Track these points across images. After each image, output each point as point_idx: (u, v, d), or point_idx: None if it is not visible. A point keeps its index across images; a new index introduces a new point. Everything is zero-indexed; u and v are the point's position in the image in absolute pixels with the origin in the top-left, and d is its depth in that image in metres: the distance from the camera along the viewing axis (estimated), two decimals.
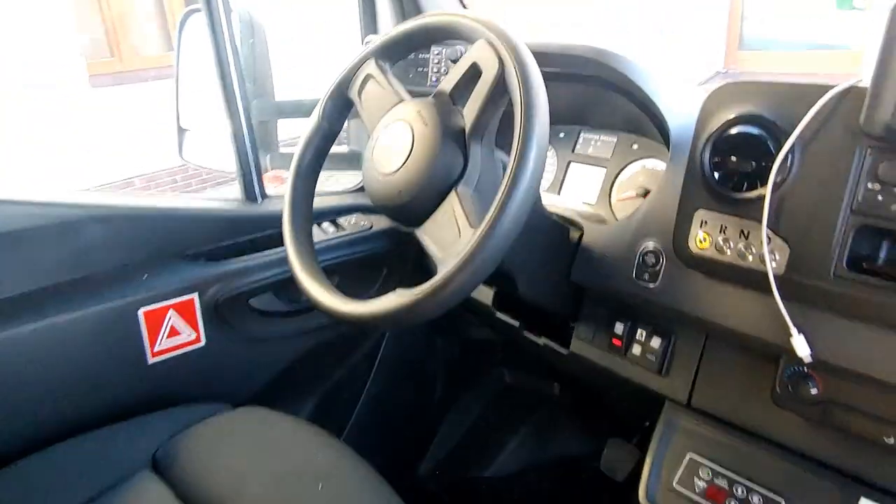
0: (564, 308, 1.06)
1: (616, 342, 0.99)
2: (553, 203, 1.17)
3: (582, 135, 1.20)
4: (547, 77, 0.76)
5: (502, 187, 0.71)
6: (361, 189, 1.36)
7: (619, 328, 0.99)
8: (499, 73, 0.76)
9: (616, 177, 1.12)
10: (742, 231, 0.79)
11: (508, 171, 0.71)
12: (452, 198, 0.79)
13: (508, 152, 0.73)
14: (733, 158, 0.78)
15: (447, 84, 0.84)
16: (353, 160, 1.43)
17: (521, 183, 0.71)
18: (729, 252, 0.80)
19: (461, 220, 0.77)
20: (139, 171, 4.77)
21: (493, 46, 0.78)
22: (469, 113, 0.80)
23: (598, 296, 1.02)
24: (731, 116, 0.78)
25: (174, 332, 1.08)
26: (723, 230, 0.80)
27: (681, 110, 0.95)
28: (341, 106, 0.97)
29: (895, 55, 0.64)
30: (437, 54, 1.22)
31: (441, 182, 0.80)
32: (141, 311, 1.03)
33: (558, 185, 1.19)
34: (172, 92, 1.41)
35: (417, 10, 1.27)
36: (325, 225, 1.28)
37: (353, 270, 1.26)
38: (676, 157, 0.92)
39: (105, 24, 4.70)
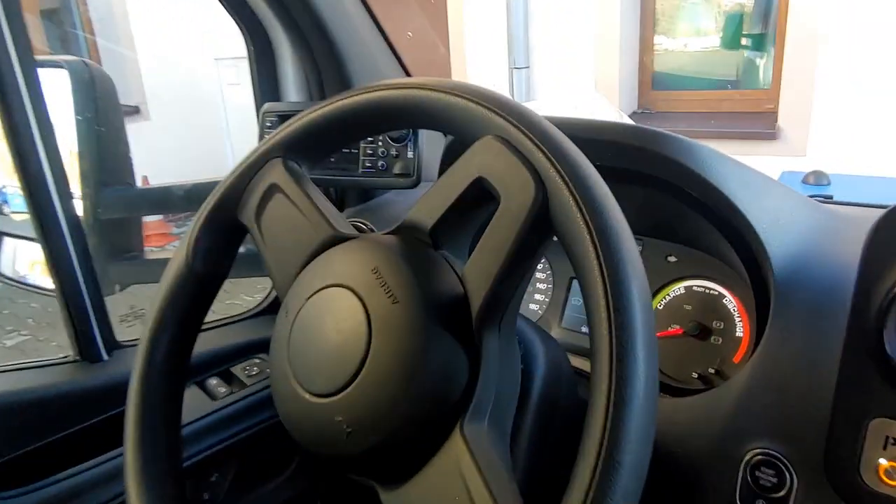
0: None
1: None
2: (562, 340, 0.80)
3: None
4: None
5: (593, 441, 0.34)
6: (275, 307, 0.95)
7: None
8: (538, 201, 0.39)
9: None
10: None
11: (597, 400, 0.34)
12: (456, 444, 0.40)
13: None
14: None
15: (425, 212, 0.45)
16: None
17: (630, 432, 0.34)
18: None
19: (478, 492, 0.38)
20: None
21: (517, 151, 0.40)
22: (477, 275, 0.42)
23: None
24: None
25: None
26: None
27: (784, 224, 0.61)
28: (226, 237, 0.56)
29: None
30: None
31: (429, 414, 0.41)
32: None
33: (558, 312, 0.83)
34: None
35: (336, 65, 0.88)
36: (214, 382, 0.84)
37: (254, 449, 0.82)
38: (789, 307, 0.57)
39: None
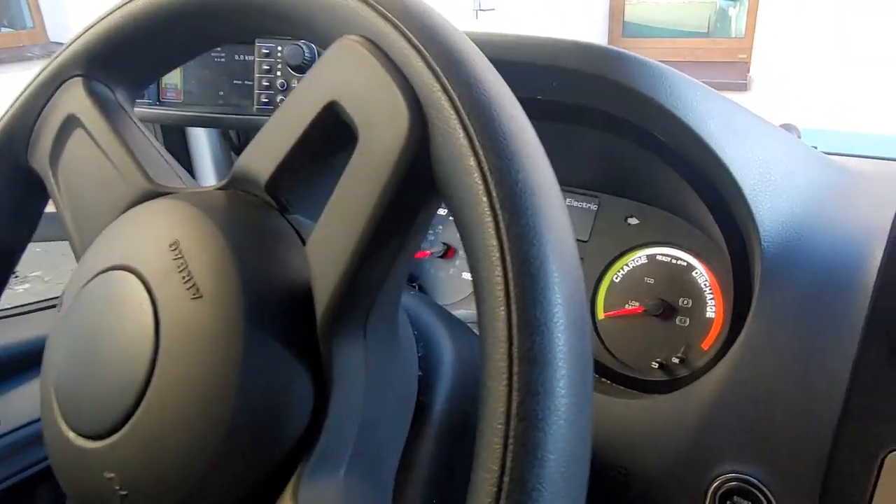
0: None
1: None
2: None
3: None
4: None
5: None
6: None
7: None
8: (413, 137, 0.24)
9: (603, 274, 0.63)
10: None
11: (488, 409, 0.20)
12: None
13: None
14: None
15: (260, 157, 0.30)
16: None
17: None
18: None
19: None
20: None
21: (388, 58, 0.25)
22: (324, 254, 0.27)
23: None
24: None
25: None
26: None
27: (778, 180, 0.47)
28: (17, 190, 0.40)
29: None
30: (267, 54, 0.66)
31: (244, 470, 0.26)
32: None
33: None
34: None
35: None
36: None
37: None
38: (780, 288, 0.43)
39: None
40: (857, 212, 0.39)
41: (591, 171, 0.64)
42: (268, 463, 0.26)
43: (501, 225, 0.21)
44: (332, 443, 0.27)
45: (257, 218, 0.30)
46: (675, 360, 0.57)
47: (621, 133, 0.51)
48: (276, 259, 0.28)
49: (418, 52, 0.24)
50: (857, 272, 0.37)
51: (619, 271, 0.62)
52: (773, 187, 0.45)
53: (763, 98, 3.30)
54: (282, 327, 0.27)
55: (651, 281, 0.60)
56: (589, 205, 0.65)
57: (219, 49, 0.67)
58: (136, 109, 0.77)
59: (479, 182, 0.22)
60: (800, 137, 1.61)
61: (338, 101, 0.27)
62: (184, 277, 0.27)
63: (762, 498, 0.41)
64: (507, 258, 0.21)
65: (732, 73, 3.47)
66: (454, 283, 0.71)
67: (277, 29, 0.32)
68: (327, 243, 0.26)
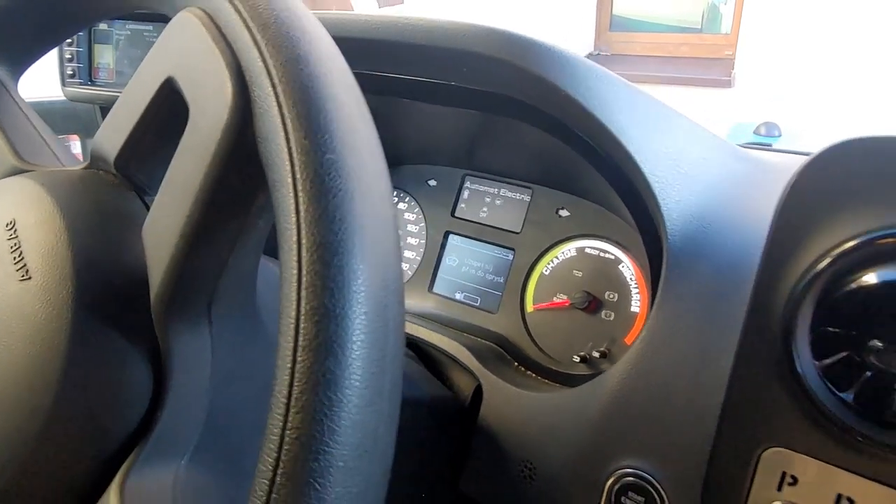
0: None
1: None
2: (416, 309, 0.66)
3: (468, 185, 0.68)
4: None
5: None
6: None
7: None
8: (237, 115, 0.23)
9: (533, 266, 0.62)
10: None
11: (279, 384, 0.19)
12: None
13: None
14: (878, 343, 0.30)
15: (109, 134, 0.29)
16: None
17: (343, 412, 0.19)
18: None
19: None
20: None
21: (220, 33, 0.24)
22: (156, 236, 0.26)
23: None
24: (878, 233, 0.30)
25: None
26: None
27: (688, 171, 0.46)
28: None
29: None
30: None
31: (73, 464, 0.25)
32: None
33: (429, 275, 0.68)
34: None
35: None
36: None
37: None
38: (682, 280, 0.43)
39: None
40: (766, 204, 0.39)
41: (526, 163, 0.63)
42: (95, 453, 0.25)
43: (301, 207, 0.20)
44: (169, 433, 0.26)
45: (107, 199, 0.29)
46: (596, 354, 0.56)
47: (540, 124, 0.50)
48: (117, 242, 0.27)
49: (247, 27, 0.24)
50: (750, 271, 0.37)
51: (548, 263, 0.62)
52: (682, 180, 0.45)
53: (747, 95, 3.30)
54: (116, 313, 0.26)
55: (579, 274, 0.60)
56: (522, 196, 0.64)
57: (150, 27, 0.66)
58: (68, 90, 0.76)
59: (287, 162, 0.21)
60: (780, 135, 1.61)
61: (174, 77, 0.26)
62: (15, 258, 0.26)
63: (654, 493, 0.41)
64: (303, 241, 0.20)
65: (717, 69, 3.47)
66: None
67: (135, 4, 0.31)
68: (159, 226, 0.26)
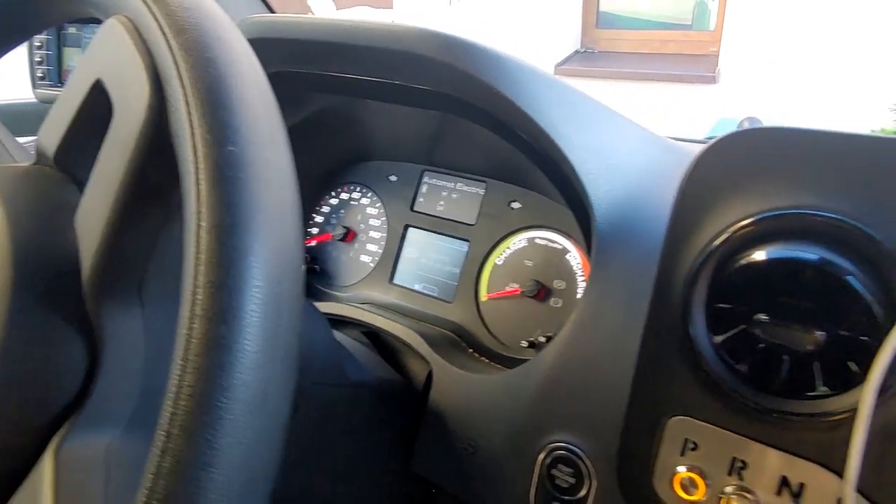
0: None
1: None
2: (378, 300, 0.68)
3: (426, 180, 0.71)
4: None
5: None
6: None
7: None
8: (153, 113, 0.26)
9: (487, 257, 0.65)
10: (788, 483, 0.34)
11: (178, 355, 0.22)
12: (41, 470, 0.27)
13: None
14: (764, 317, 0.33)
15: (48, 132, 0.32)
16: None
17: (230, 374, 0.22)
18: None
19: None
20: None
21: (142, 38, 0.27)
22: (86, 223, 0.28)
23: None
24: (759, 215, 0.33)
25: None
26: (737, 471, 0.35)
27: (617, 164, 0.49)
28: None
29: None
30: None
31: (6, 428, 0.28)
32: None
33: (389, 266, 0.70)
34: None
35: None
36: None
37: None
38: (609, 266, 0.45)
39: None
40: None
41: (480, 158, 0.66)
42: (32, 422, 0.28)
43: (201, 194, 0.23)
44: (103, 405, 0.29)
45: (48, 192, 0.31)
46: (543, 339, 0.59)
47: (485, 122, 0.52)
48: (55, 231, 0.30)
49: (164, 33, 0.26)
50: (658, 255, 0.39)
51: (501, 254, 0.64)
52: (610, 172, 0.47)
53: (732, 91, 3.33)
54: (52, 295, 0.28)
55: (530, 263, 0.63)
56: (477, 189, 0.67)
57: None
58: (39, 92, 0.78)
59: (191, 154, 0.24)
60: None
61: (101, 78, 0.28)
62: None
63: (581, 465, 0.43)
64: (202, 224, 0.23)
65: (702, 66, 3.49)
66: (354, 265, 0.73)
67: (79, 10, 0.33)
68: (88, 214, 0.28)
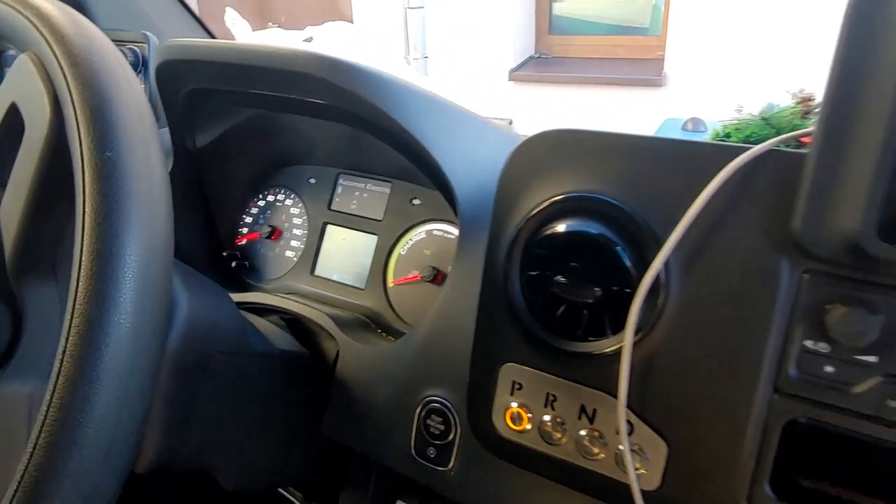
0: (319, 475, 0.66)
1: None
2: (301, 290, 0.76)
3: (341, 182, 0.79)
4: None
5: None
6: None
7: None
8: (53, 128, 0.34)
9: (392, 248, 0.74)
10: (584, 409, 0.43)
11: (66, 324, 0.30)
12: None
13: None
14: (562, 279, 0.42)
15: None
16: None
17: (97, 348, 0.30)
18: (563, 442, 0.44)
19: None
20: None
21: (45, 70, 0.35)
22: (7, 217, 0.36)
23: (365, 461, 0.63)
24: (556, 197, 0.42)
25: None
26: (550, 403, 0.44)
27: (477, 161, 0.58)
28: None
29: (863, 105, 0.31)
30: None
31: None
32: None
33: (311, 260, 0.78)
34: None
35: None
36: None
37: None
38: (470, 247, 0.54)
39: None
40: None
41: (385, 162, 0.75)
42: None
43: (86, 188, 0.31)
44: (27, 359, 0.37)
45: None
46: None
47: (374, 132, 0.61)
48: None
49: (60, 66, 0.34)
50: None
51: (405, 245, 0.73)
52: (472, 170, 0.56)
53: (678, 93, 3.46)
54: None
55: (428, 252, 0.71)
56: (384, 189, 0.76)
57: None
58: None
59: (79, 159, 0.32)
60: (706, 130, 1.77)
61: (16, 102, 0.36)
62: None
63: (448, 414, 0.52)
64: (86, 211, 0.31)
65: (650, 69, 3.62)
66: (279, 260, 0.81)
67: (1, 45, 0.41)
68: (9, 207, 0.36)
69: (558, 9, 4.17)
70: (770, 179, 0.36)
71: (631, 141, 0.41)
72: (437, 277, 0.69)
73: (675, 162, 0.39)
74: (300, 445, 0.62)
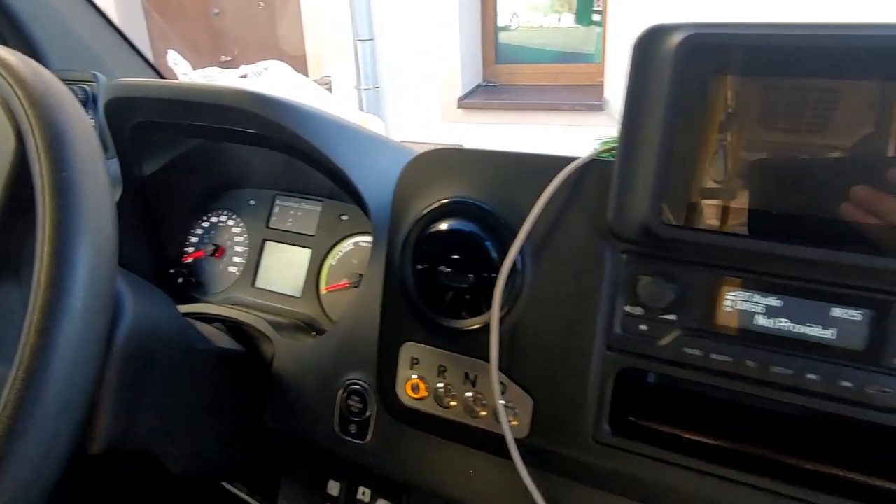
0: (262, 462, 0.74)
1: None
2: (243, 301, 0.84)
3: (278, 202, 0.88)
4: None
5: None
6: None
7: (333, 488, 0.69)
8: (18, 154, 0.42)
9: (324, 259, 0.82)
10: (468, 376, 0.52)
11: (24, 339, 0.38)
12: None
13: None
14: (445, 269, 0.51)
15: None
16: None
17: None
18: (454, 405, 0.53)
19: None
20: None
21: (9, 108, 0.43)
22: None
23: (301, 446, 0.71)
24: (437, 204, 0.52)
25: None
26: (442, 373, 0.53)
27: (388, 178, 0.67)
28: None
29: (643, 122, 0.41)
30: None
31: None
32: None
33: (251, 273, 0.87)
34: None
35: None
36: None
37: None
38: (379, 251, 0.64)
39: None
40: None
41: (316, 183, 0.84)
42: None
43: (46, 203, 0.39)
44: None
45: None
46: None
47: (302, 157, 0.70)
48: None
49: (22, 105, 0.43)
50: None
51: (336, 256, 0.82)
52: (384, 186, 0.66)
53: (617, 115, 3.63)
54: None
55: (356, 261, 0.80)
56: (315, 207, 0.85)
57: None
58: None
59: (39, 179, 0.40)
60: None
61: None
62: None
63: (364, 393, 0.61)
64: (46, 222, 0.39)
65: (591, 95, 3.80)
66: (223, 275, 0.89)
67: None
68: None
69: (506, 37, 4.32)
70: (593, 182, 0.47)
71: (493, 156, 0.52)
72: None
73: (524, 171, 0.49)
74: (243, 437, 0.70)
